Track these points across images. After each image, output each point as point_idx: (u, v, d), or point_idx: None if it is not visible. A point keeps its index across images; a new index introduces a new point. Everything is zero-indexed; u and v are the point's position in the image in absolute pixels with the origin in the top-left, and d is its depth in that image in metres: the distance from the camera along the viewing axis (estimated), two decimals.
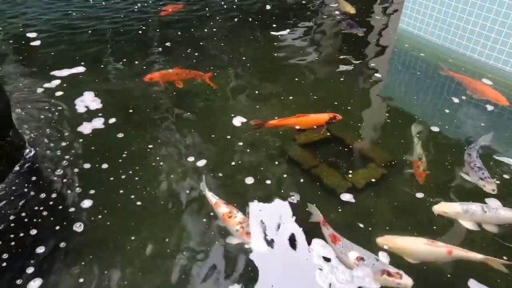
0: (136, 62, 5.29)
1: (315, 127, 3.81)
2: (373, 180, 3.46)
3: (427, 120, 4.29)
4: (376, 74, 5.17)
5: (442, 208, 3.08)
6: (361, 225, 3.07)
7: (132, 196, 3.28)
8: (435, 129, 4.14)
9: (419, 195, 3.34)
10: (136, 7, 6.91)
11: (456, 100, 4.62)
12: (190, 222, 3.10)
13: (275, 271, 2.75)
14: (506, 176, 3.57)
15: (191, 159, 3.69)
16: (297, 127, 3.89)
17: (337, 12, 7.03)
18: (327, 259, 2.75)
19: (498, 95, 4.46)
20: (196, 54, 5.53)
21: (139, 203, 3.24)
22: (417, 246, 2.75)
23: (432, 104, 4.72)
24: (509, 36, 4.90)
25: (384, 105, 4.70)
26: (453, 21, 5.45)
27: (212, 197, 3.21)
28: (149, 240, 2.95)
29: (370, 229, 3.05)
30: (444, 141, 4.04)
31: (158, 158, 3.71)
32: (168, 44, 5.78)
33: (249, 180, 3.46)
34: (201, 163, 3.65)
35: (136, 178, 3.47)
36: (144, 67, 5.16)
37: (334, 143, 3.95)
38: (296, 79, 5.01)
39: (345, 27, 6.35)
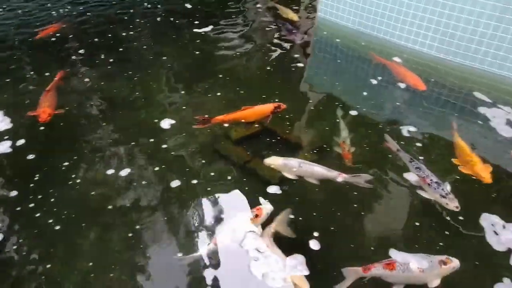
0: (47, 74, 4.83)
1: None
2: None
3: (349, 103, 4.51)
4: (299, 64, 5.31)
5: (269, 161, 3.51)
6: (299, 207, 3.16)
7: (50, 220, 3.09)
8: (356, 111, 4.36)
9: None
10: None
11: (374, 82, 4.92)
12: (115, 239, 2.98)
13: (211, 267, 2.75)
14: (418, 144, 3.90)
15: (111, 171, 3.52)
16: (243, 120, 3.96)
17: (260, 7, 7.12)
18: (260, 251, 2.79)
19: (417, 80, 4.71)
20: (116, 58, 5.29)
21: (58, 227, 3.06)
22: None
23: (352, 87, 4.97)
24: (416, 17, 5.29)
25: (309, 93, 4.86)
26: (365, 6, 5.75)
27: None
28: (75, 265, 2.80)
29: (313, 213, 3.15)
30: (366, 121, 4.28)
31: (74, 175, 3.48)
32: (82, 51, 5.46)
33: (176, 183, 3.40)
34: (124, 172, 3.51)
35: (52, 200, 3.26)
36: (56, 77, 4.79)
37: (266, 135, 4.01)
38: (221, 75, 4.99)
39: (285, 33, 6.14)
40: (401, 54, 5.44)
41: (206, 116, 3.90)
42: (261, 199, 3.22)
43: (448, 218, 3.12)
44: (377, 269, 2.68)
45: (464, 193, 3.33)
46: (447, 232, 3.04)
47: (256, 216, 3.00)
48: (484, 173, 3.32)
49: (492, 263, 2.83)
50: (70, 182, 3.40)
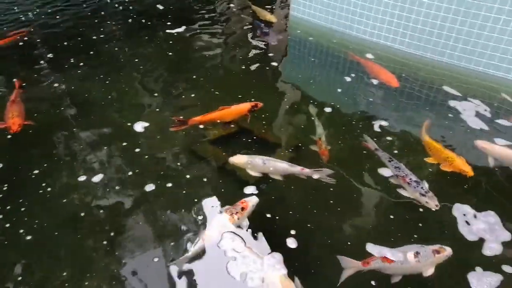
0: (14, 81, 4.63)
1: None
2: None
3: (324, 101, 4.54)
4: (274, 63, 5.31)
5: (234, 160, 3.52)
6: (276, 206, 3.17)
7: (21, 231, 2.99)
8: (331, 108, 4.40)
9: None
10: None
11: (348, 79, 4.97)
12: (90, 247, 2.90)
13: (191, 270, 2.73)
14: (390, 138, 3.98)
15: (83, 178, 3.43)
16: (219, 120, 3.95)
17: (234, 8, 7.09)
18: (238, 251, 2.78)
19: (390, 77, 4.80)
20: (86, 61, 5.17)
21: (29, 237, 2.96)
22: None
23: (327, 85, 5.02)
24: (386, 13, 5.38)
25: (284, 92, 4.88)
26: (336, 4, 5.81)
27: None
28: (50, 275, 2.72)
29: (290, 212, 3.17)
30: (340, 118, 4.32)
31: (44, 184, 3.38)
32: (50, 55, 5.30)
33: (150, 187, 3.34)
34: (97, 178, 3.43)
35: (23, 209, 3.15)
36: (24, 83, 4.62)
37: (242, 135, 4.00)
38: (195, 76, 4.95)
39: (259, 34, 6.04)
40: (373, 50, 5.52)
41: (181, 117, 3.86)
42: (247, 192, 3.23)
43: (421, 210, 3.19)
44: (376, 262, 2.73)
45: (435, 184, 3.42)
46: (420, 224, 3.11)
47: (242, 209, 3.02)
48: (466, 167, 3.41)
49: (464, 253, 2.90)
50: (41, 191, 3.30)
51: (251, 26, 6.30)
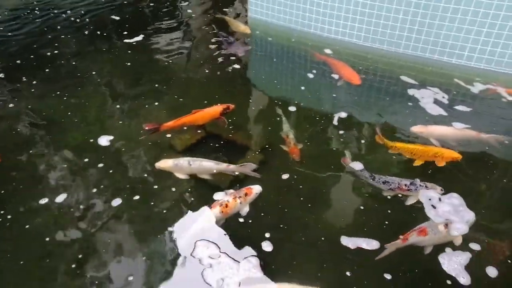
0: None
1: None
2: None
3: (288, 99, 4.59)
4: (236, 66, 5.31)
5: (160, 164, 3.51)
6: (250, 211, 3.16)
7: None
8: (295, 106, 4.44)
9: (298, 169, 3.57)
10: None
11: (310, 76, 5.04)
12: (59, 273, 2.78)
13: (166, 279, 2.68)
14: (353, 131, 4.08)
15: (45, 200, 3.27)
16: (191, 124, 3.94)
17: (194, 14, 7.03)
18: (214, 257, 2.76)
19: (352, 75, 4.86)
20: (41, 78, 4.97)
21: None
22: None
23: (290, 83, 5.07)
24: (341, 9, 5.49)
25: (249, 94, 4.90)
26: (293, 3, 5.88)
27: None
28: None
29: (262, 214, 3.16)
30: (306, 115, 4.38)
31: (3, 211, 3.18)
32: (1, 75, 5.05)
33: (117, 202, 3.25)
34: (60, 198, 3.29)
35: None
36: None
37: (210, 140, 3.97)
38: (157, 85, 4.88)
39: (226, 46, 5.80)
40: (332, 46, 5.63)
41: (153, 123, 3.80)
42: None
43: (388, 197, 3.28)
44: (412, 237, 2.86)
45: (399, 171, 3.52)
46: (389, 211, 3.19)
47: (246, 195, 3.14)
48: (455, 154, 3.54)
49: None
50: (0, 219, 3.13)
51: (214, 33, 6.23)
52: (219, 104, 4.06)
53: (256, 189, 3.24)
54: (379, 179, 3.38)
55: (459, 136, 3.92)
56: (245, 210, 3.13)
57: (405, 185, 3.28)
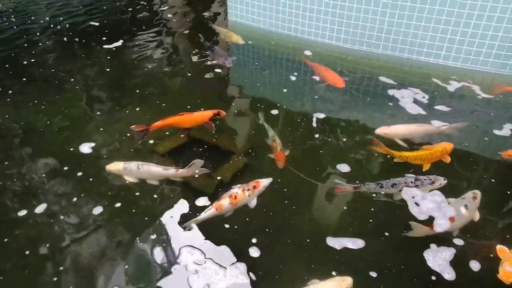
0: None
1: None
2: (238, 172, 3.54)
3: (272, 102, 4.59)
4: (217, 70, 5.30)
5: (110, 167, 3.46)
6: (233, 216, 3.13)
7: None
8: (278, 110, 4.44)
9: (282, 172, 3.55)
10: None
11: (292, 78, 5.07)
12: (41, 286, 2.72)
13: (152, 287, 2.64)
14: (337, 130, 4.12)
15: (24, 211, 3.17)
16: (178, 126, 3.90)
17: (174, 18, 6.98)
18: (199, 264, 2.73)
19: (336, 79, 4.86)
20: (18, 88, 4.84)
21: None
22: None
23: (272, 86, 5.08)
24: (320, 11, 5.55)
25: (232, 98, 4.87)
26: (272, 6, 5.91)
27: None
28: None
29: (247, 219, 3.14)
30: (289, 118, 4.38)
31: None
32: None
33: (98, 210, 3.18)
34: (40, 209, 3.20)
35: None
36: None
37: (193, 145, 3.93)
38: (138, 90, 4.82)
39: (212, 56, 5.56)
40: (312, 48, 5.68)
41: (138, 126, 3.73)
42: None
43: (373, 196, 3.31)
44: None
45: (386, 173, 3.56)
46: (373, 209, 3.22)
47: (254, 187, 3.18)
48: (449, 145, 3.62)
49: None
50: None
51: (197, 40, 6.13)
52: (209, 110, 4.00)
53: (265, 182, 3.28)
54: (387, 184, 3.33)
55: (422, 132, 3.95)
56: (253, 202, 3.18)
57: (411, 182, 3.31)
